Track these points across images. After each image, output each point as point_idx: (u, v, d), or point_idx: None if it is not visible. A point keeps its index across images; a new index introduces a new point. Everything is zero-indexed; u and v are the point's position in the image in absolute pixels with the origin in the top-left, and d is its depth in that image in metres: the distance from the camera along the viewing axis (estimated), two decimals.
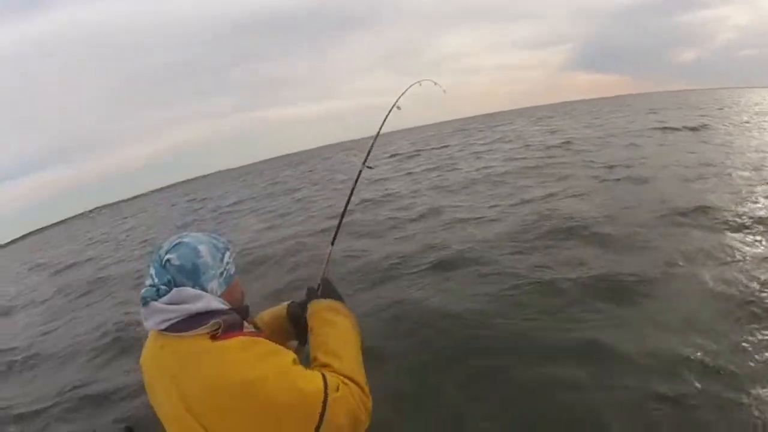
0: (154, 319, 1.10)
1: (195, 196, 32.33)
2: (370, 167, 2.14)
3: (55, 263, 16.14)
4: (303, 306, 1.44)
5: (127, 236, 18.26)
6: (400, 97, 2.36)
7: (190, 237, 1.19)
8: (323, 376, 1.10)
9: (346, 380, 1.14)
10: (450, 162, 15.54)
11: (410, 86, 2.49)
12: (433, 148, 22.83)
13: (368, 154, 2.14)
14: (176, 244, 1.16)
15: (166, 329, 1.09)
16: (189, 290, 1.10)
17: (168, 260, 1.13)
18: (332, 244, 1.76)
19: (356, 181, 2.03)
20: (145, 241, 14.78)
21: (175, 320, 1.08)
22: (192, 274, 1.13)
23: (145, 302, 1.11)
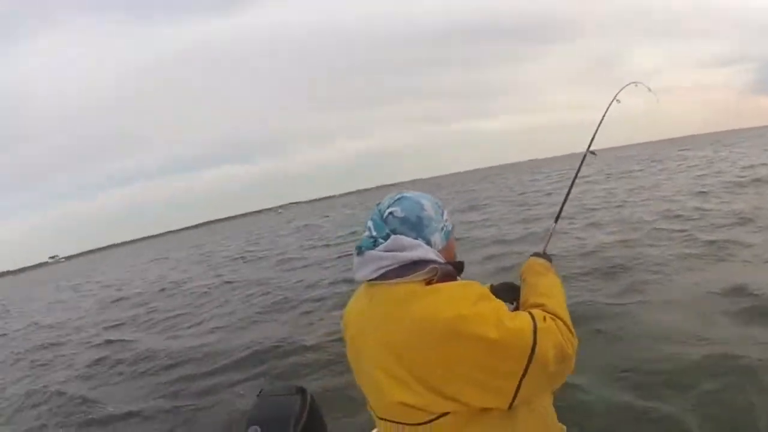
0: (367, 268, 1.10)
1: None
2: (594, 153, 2.07)
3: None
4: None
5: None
6: (618, 93, 2.30)
7: (411, 193, 1.21)
8: (530, 313, 1.09)
9: (553, 316, 1.13)
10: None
11: (627, 85, 2.40)
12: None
13: (592, 140, 2.08)
14: (398, 199, 1.17)
15: (378, 277, 1.09)
16: (407, 239, 1.10)
17: (391, 213, 1.13)
18: (555, 221, 1.80)
19: (580, 165, 2.01)
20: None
21: (390, 267, 1.08)
22: (416, 226, 1.13)
23: (360, 251, 1.12)
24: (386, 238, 1.10)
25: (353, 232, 18.33)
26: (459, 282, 1.10)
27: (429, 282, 1.07)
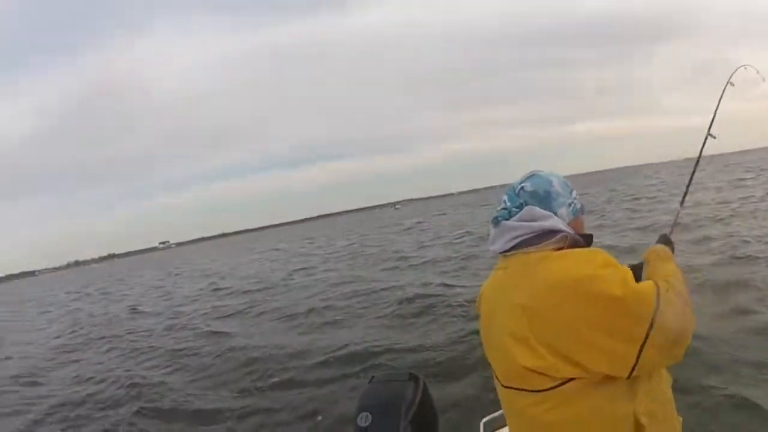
0: (503, 238, 1.19)
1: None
2: (713, 136, 2.01)
3: None
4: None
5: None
6: (731, 76, 2.22)
7: (543, 171, 1.28)
8: (654, 282, 1.12)
9: (677, 292, 1.13)
10: None
11: (738, 68, 2.30)
12: None
13: (712, 122, 2.01)
14: (530, 176, 1.25)
15: (513, 247, 1.17)
16: (539, 209, 1.17)
17: (522, 187, 1.22)
18: (681, 204, 1.85)
19: (702, 149, 2.00)
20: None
21: (524, 237, 1.16)
22: (544, 200, 1.20)
23: (496, 222, 1.21)
24: (519, 208, 1.19)
25: (468, 232, 19.01)
26: (589, 249, 1.15)
27: (560, 249, 1.14)
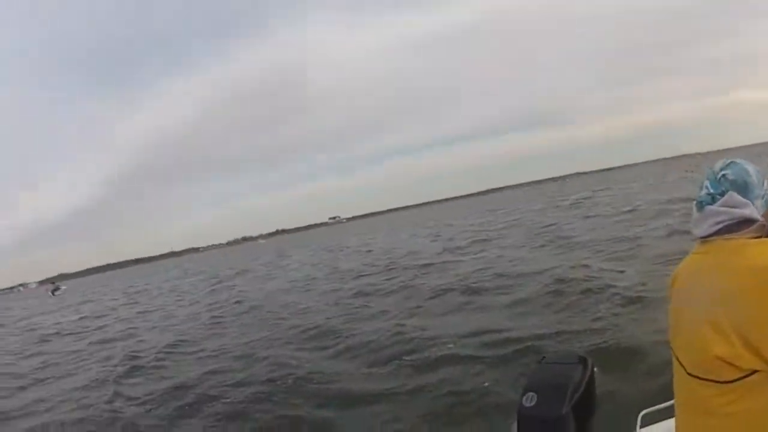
0: (706, 222, 1.21)
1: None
2: None
3: None
4: None
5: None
6: None
7: (740, 160, 1.28)
8: None
9: None
10: None
11: None
12: None
13: None
14: (730, 163, 1.26)
15: (717, 231, 1.19)
16: (740, 197, 1.19)
17: (723, 175, 1.23)
18: None
19: None
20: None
21: (726, 223, 1.18)
22: (743, 190, 1.21)
23: (700, 206, 1.24)
24: (722, 194, 1.20)
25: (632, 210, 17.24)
26: None
27: (758, 238, 1.16)
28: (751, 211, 1.18)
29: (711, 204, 1.22)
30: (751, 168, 1.26)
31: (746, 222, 1.17)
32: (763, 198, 1.25)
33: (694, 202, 1.27)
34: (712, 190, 1.24)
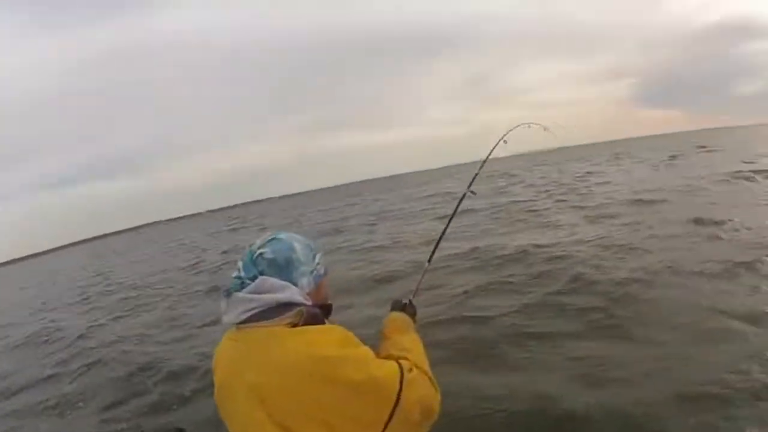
0: (235, 311, 1.09)
1: (240, 223, 32.31)
2: (474, 192, 2.19)
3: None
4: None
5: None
6: (505, 135, 2.41)
7: (285, 234, 1.21)
8: (397, 362, 1.10)
9: (420, 370, 1.13)
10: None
11: (517, 126, 2.48)
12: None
13: (473, 180, 2.20)
14: (271, 240, 1.17)
15: (246, 320, 1.08)
16: (275, 280, 1.10)
17: (261, 254, 1.13)
18: (428, 262, 1.81)
19: (458, 206, 2.07)
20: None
21: (257, 310, 1.07)
22: (284, 269, 1.13)
23: (228, 294, 1.11)
24: (253, 279, 1.10)
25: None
26: (323, 326, 1.10)
27: (295, 325, 1.06)
28: (289, 294, 1.10)
29: (239, 290, 1.10)
30: (298, 243, 1.19)
31: (284, 306, 1.08)
32: (312, 273, 1.18)
33: (222, 290, 1.14)
34: (243, 274, 1.12)
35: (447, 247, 7.91)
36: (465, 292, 5.75)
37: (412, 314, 1.44)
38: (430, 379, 1.14)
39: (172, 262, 17.03)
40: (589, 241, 7.38)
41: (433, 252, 1.85)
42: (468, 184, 2.20)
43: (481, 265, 7.03)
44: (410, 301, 1.50)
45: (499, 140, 2.38)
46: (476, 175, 2.24)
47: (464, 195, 2.15)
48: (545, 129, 2.55)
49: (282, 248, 1.15)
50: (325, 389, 0.97)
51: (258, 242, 1.18)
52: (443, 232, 1.94)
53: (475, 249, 7.90)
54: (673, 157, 23.13)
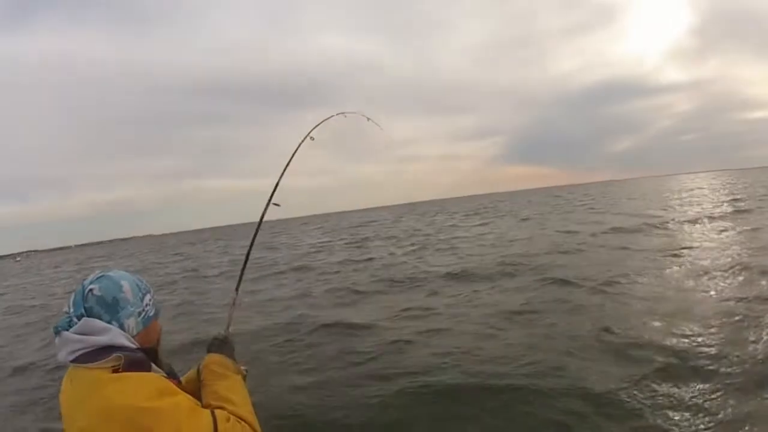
0: (65, 349, 1.09)
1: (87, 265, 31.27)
2: (277, 204, 2.08)
3: None
4: None
5: None
6: (316, 127, 2.32)
7: (115, 271, 1.19)
8: (212, 412, 1.10)
9: (238, 419, 1.13)
10: None
11: (330, 116, 2.38)
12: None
13: (275, 190, 2.08)
14: (100, 277, 1.15)
15: (74, 360, 1.08)
16: (97, 322, 1.10)
17: (90, 290, 1.12)
18: (236, 290, 1.78)
19: (260, 221, 2.01)
20: None
21: (82, 351, 1.08)
22: (111, 308, 1.12)
23: (57, 332, 1.11)
24: (80, 317, 1.10)
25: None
26: (141, 374, 1.08)
27: (116, 369, 1.06)
28: (110, 337, 1.09)
29: (67, 328, 1.10)
30: (127, 282, 1.16)
31: (106, 350, 1.07)
32: (140, 315, 1.17)
33: (54, 326, 1.12)
34: (72, 311, 1.11)
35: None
36: None
37: (231, 349, 1.42)
38: (250, 425, 1.15)
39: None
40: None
41: (240, 279, 1.81)
42: (270, 195, 2.08)
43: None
44: (226, 336, 1.48)
45: (307, 135, 2.30)
46: (278, 182, 2.12)
47: (266, 208, 2.08)
48: (368, 119, 2.59)
49: (110, 286, 1.14)
50: None
51: (90, 278, 1.16)
52: (247, 256, 1.91)
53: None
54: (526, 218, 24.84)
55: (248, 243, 1.90)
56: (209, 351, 1.40)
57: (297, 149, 2.22)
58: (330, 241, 22.14)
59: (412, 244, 16.49)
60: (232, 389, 1.25)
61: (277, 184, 2.07)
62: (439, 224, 26.11)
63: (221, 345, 1.42)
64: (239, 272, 1.83)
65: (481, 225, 22.50)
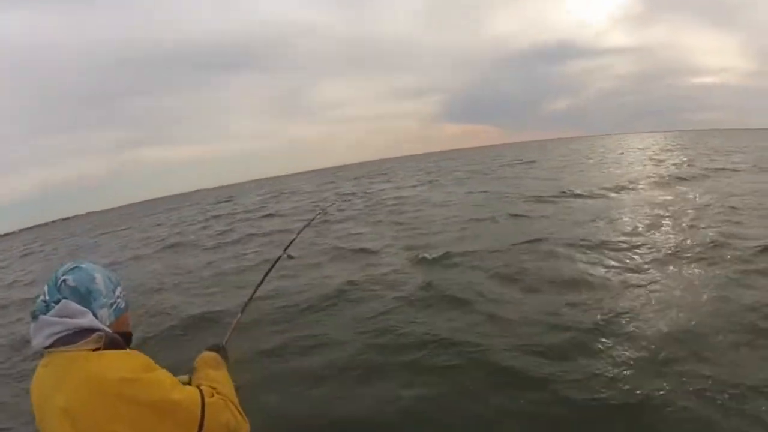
0: (41, 333, 1.10)
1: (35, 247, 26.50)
2: (292, 256, 2.38)
3: None
4: None
5: None
6: (291, 242, 2.54)
7: (88, 263, 1.22)
8: (198, 388, 1.18)
9: (224, 397, 1.21)
10: None
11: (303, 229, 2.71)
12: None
13: (290, 244, 2.43)
14: (73, 268, 1.18)
15: (52, 344, 1.09)
16: (76, 305, 1.12)
17: (64, 281, 1.15)
18: (241, 313, 1.90)
19: (272, 267, 2.23)
20: None
21: (62, 334, 1.09)
22: (85, 298, 1.15)
23: (34, 316, 1.12)
24: (57, 302, 1.12)
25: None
26: (125, 351, 1.15)
27: (97, 349, 1.10)
28: (90, 320, 1.12)
29: (45, 313, 1.11)
30: (99, 274, 1.20)
31: (86, 331, 1.10)
32: (111, 307, 1.20)
33: (30, 311, 1.14)
34: (48, 297, 1.14)
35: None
36: None
37: (225, 357, 1.50)
38: (235, 406, 1.22)
39: None
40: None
41: (246, 305, 1.95)
42: (285, 248, 2.37)
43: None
44: (224, 346, 1.57)
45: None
46: (294, 238, 2.48)
47: (279, 258, 2.34)
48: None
49: (83, 277, 1.17)
50: (129, 410, 1.02)
51: (62, 268, 1.19)
52: (256, 289, 2.05)
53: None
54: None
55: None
56: (207, 350, 1.49)
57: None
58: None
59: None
60: (223, 377, 1.33)
61: (293, 240, 2.42)
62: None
63: (219, 349, 1.51)
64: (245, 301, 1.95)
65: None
